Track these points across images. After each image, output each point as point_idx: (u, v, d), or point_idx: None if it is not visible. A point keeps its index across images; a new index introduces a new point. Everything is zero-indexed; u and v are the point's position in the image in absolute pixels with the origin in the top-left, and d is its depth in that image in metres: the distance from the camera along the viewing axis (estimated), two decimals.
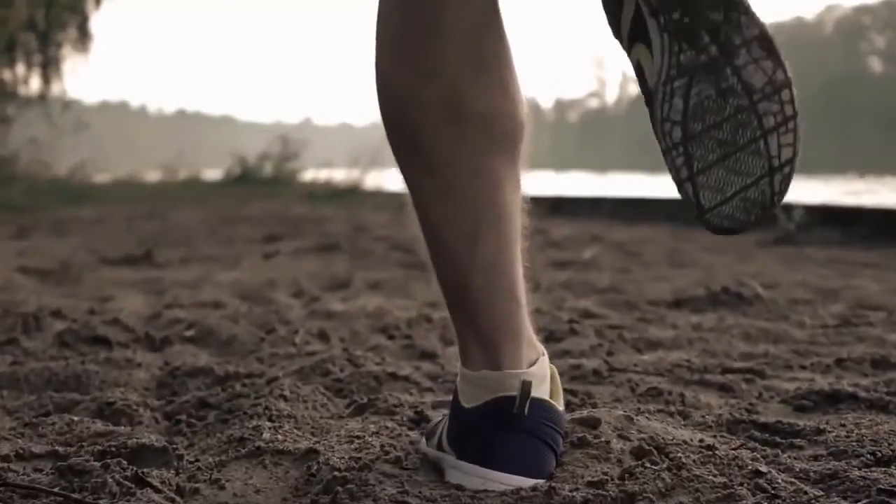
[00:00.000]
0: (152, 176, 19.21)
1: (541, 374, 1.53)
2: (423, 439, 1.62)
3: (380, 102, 1.54)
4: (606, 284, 4.11)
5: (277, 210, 10.54)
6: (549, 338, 2.61)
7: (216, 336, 2.61)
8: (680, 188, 1.45)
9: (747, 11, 1.50)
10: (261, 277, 4.66)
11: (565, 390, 1.86)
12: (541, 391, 1.51)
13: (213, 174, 18.38)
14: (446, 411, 1.68)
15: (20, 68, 21.74)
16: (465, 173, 1.51)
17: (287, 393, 1.85)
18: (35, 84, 21.61)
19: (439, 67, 1.49)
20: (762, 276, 4.57)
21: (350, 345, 2.54)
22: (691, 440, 1.59)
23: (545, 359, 1.57)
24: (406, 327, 2.78)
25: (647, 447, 1.51)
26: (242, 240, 6.90)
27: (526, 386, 1.47)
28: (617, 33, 1.55)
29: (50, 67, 21.76)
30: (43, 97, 20.96)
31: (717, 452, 1.49)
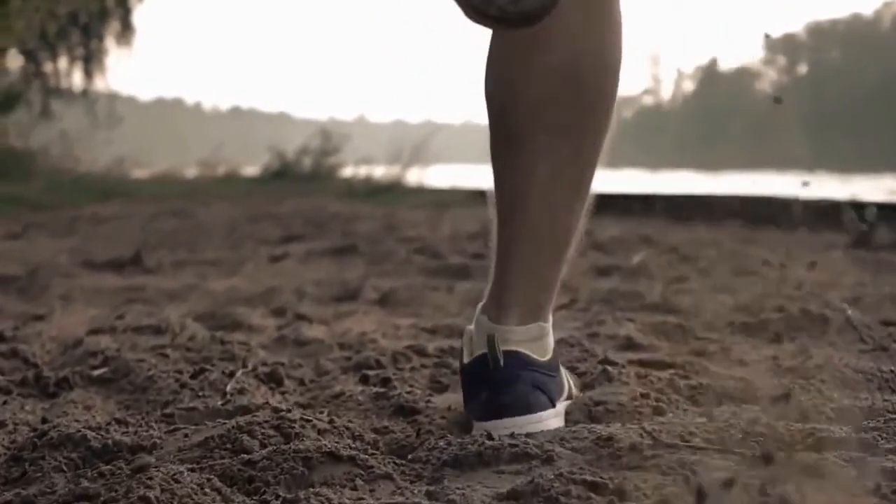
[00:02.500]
0: (192, 172, 18.77)
1: (527, 337, 1.64)
2: None
3: None
4: (656, 298, 3.44)
5: (310, 207, 9.97)
6: None
7: (131, 378, 1.96)
8: None
9: None
10: (260, 285, 4.04)
11: (586, 482, 1.24)
12: (526, 348, 1.63)
13: (256, 170, 17.91)
14: None
15: (62, 62, 21.47)
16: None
17: (156, 493, 1.20)
18: (78, 78, 21.32)
19: None
20: (840, 287, 3.89)
21: (303, 393, 1.89)
22: None
23: (545, 326, 1.69)
24: (390, 364, 2.12)
25: None
26: (257, 240, 6.28)
27: (490, 340, 1.59)
28: None
29: (93, 61, 21.43)
30: (85, 92, 20.64)
31: None
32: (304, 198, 12.02)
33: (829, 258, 5.37)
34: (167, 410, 1.72)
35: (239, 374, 1.90)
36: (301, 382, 1.98)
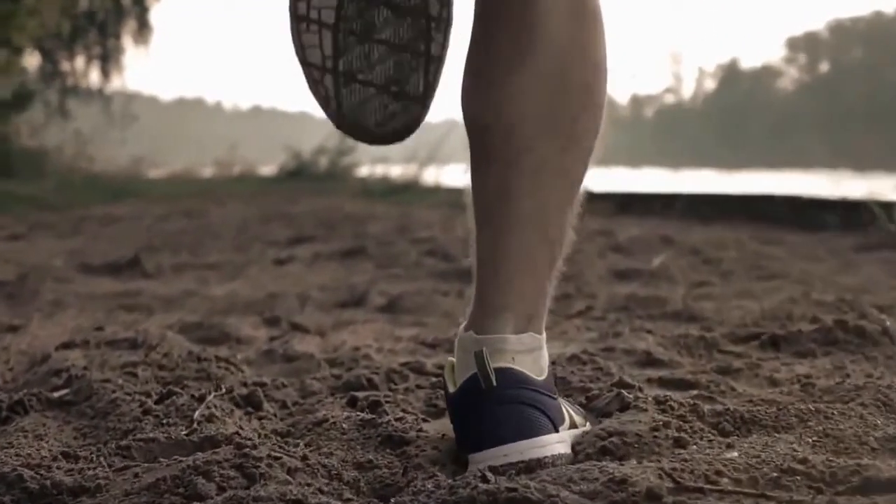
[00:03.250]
0: (209, 171, 18.63)
1: (521, 348, 1.50)
2: None
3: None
4: (677, 305, 3.24)
5: (324, 207, 9.79)
6: (584, 407, 1.74)
7: (93, 401, 1.75)
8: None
9: None
10: (261, 290, 3.86)
11: None
12: (520, 364, 1.48)
13: (273, 170, 17.75)
14: None
15: (79, 61, 21.39)
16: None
17: None
18: (95, 77, 21.25)
19: None
20: (869, 291, 3.69)
21: (284, 419, 1.70)
22: None
23: (539, 338, 1.54)
24: (383, 383, 1.92)
25: None
26: (265, 242, 6.09)
27: (479, 356, 1.45)
28: None
29: (109, 60, 21.36)
30: (100, 91, 20.56)
31: None
32: (319, 197, 11.85)
33: (856, 261, 5.16)
34: (124, 442, 1.52)
35: (210, 397, 1.69)
36: (283, 405, 1.78)
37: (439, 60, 1.36)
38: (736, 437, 1.56)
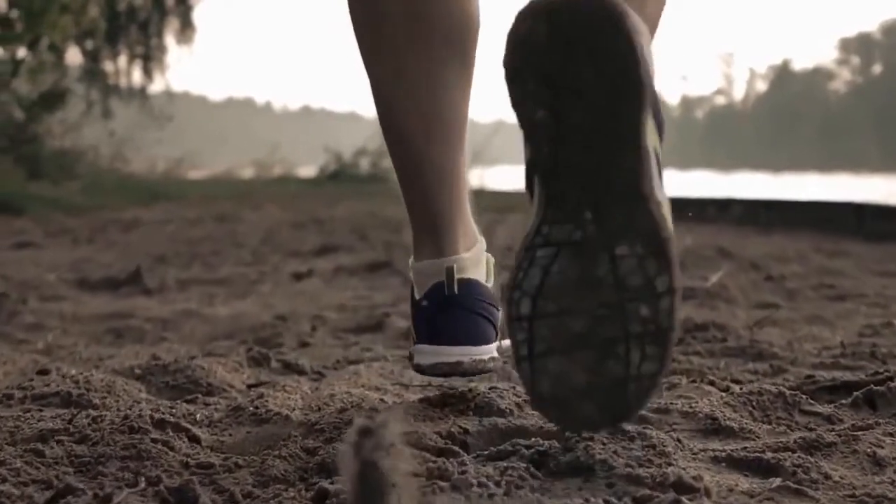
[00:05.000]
0: (249, 173, 18.39)
1: (474, 259, 1.75)
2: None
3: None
4: (741, 338, 2.78)
5: (361, 212, 9.39)
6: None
7: None
8: (518, 366, 1.36)
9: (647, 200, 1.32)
10: (270, 311, 3.44)
11: None
12: (475, 273, 1.74)
13: (315, 171, 17.51)
14: None
15: (122, 60, 21.23)
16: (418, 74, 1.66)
17: None
18: (137, 76, 21.11)
19: None
20: None
21: None
22: None
23: (481, 245, 1.80)
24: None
25: None
26: (288, 251, 5.68)
27: (449, 271, 1.70)
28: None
29: (152, 60, 21.18)
30: (142, 90, 20.39)
31: None
32: (357, 201, 11.49)
33: None
34: None
35: (123, 496, 1.25)
36: (229, 499, 1.33)
37: None
38: None
